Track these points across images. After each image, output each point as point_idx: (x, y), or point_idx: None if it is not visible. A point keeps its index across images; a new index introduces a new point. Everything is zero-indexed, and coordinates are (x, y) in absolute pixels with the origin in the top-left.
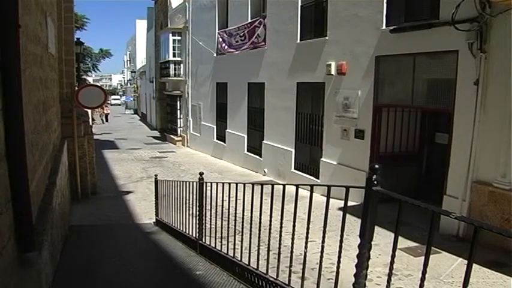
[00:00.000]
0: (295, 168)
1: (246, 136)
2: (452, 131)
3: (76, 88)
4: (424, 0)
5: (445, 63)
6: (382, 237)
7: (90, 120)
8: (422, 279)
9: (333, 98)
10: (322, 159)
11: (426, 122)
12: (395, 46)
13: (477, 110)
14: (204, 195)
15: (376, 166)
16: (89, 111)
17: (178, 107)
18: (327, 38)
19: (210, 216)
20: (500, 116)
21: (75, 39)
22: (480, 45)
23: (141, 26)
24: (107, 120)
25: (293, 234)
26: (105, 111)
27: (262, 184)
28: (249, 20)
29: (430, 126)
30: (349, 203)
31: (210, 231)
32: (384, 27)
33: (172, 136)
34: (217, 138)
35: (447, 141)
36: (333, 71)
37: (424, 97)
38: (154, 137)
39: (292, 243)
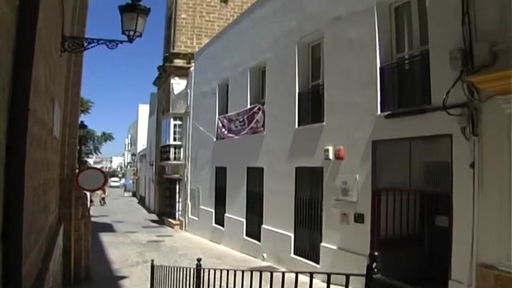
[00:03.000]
0: (294, 253)
1: (244, 220)
2: (452, 214)
3: (77, 170)
4: (416, 86)
5: (440, 147)
6: None
7: (89, 202)
8: None
9: (331, 183)
10: (322, 244)
11: (425, 205)
12: (391, 131)
13: (475, 192)
14: (202, 281)
15: (376, 253)
16: (88, 193)
17: (177, 191)
18: (324, 123)
19: None
20: (499, 198)
21: (79, 123)
22: (472, 129)
23: (144, 110)
24: (104, 203)
25: None
26: (103, 195)
27: (261, 271)
28: (248, 106)
29: (430, 208)
30: None
31: None
32: (379, 112)
33: (170, 220)
34: (215, 223)
35: (448, 224)
36: (331, 156)
37: (422, 180)
38: (152, 221)
39: None
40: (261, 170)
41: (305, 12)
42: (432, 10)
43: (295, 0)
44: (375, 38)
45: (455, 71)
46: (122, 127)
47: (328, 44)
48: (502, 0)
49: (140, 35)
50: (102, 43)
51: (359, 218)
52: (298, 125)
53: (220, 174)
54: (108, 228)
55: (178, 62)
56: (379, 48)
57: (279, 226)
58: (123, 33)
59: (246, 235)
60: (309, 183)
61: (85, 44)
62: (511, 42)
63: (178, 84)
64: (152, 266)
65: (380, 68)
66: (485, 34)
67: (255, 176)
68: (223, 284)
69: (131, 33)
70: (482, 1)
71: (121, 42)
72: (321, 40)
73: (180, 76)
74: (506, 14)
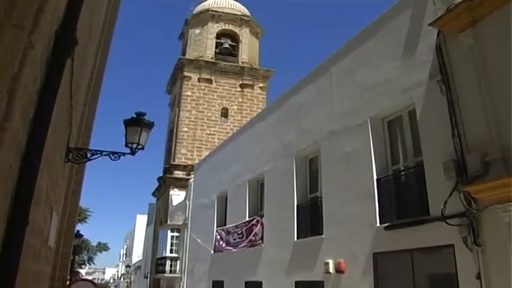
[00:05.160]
0: None
1: None
2: None
3: (67, 282)
4: (414, 197)
5: (443, 258)
6: None
7: None
8: None
9: None
10: None
11: None
12: (392, 242)
13: None
14: None
15: None
16: None
17: None
18: (323, 236)
19: None
20: None
21: (75, 232)
22: (474, 239)
23: (141, 220)
24: None
25: None
26: None
27: None
28: (247, 219)
29: None
30: None
31: None
32: (378, 224)
33: None
34: None
35: None
36: (331, 269)
37: None
38: None
39: None
40: (260, 284)
41: (302, 127)
42: (423, 123)
43: (292, 115)
44: (370, 151)
45: (451, 181)
46: (118, 236)
47: (325, 157)
48: (488, 112)
49: (143, 148)
50: (105, 155)
51: None
52: (297, 238)
53: None
54: None
55: (178, 174)
56: (375, 161)
57: None
58: (126, 145)
59: None
60: None
61: (89, 155)
62: (500, 151)
63: (177, 196)
64: None
65: (377, 180)
66: (475, 145)
67: None
68: None
69: (134, 145)
70: (470, 114)
71: (123, 154)
72: (318, 153)
73: (180, 187)
74: (493, 125)
